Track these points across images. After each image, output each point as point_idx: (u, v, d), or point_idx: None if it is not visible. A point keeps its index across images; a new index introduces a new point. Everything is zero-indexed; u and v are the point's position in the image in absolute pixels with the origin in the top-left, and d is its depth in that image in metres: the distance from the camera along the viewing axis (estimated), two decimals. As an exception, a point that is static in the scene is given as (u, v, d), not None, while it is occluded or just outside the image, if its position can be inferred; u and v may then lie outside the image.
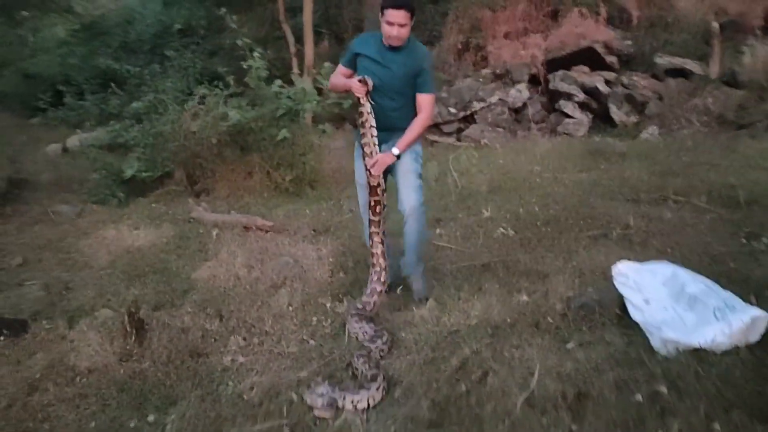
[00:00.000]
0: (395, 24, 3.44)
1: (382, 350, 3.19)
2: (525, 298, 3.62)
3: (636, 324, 3.11)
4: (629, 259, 3.61)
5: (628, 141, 8.53)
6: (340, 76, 3.74)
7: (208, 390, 2.94)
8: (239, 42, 6.84)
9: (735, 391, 2.43)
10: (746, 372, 2.55)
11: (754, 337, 2.77)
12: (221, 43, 12.16)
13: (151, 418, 2.80)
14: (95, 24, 15.73)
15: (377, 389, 2.77)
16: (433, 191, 6.41)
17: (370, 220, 3.78)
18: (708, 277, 3.25)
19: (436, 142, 9.46)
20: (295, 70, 9.61)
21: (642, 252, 4.30)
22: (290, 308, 3.77)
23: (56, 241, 5.38)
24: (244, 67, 6.67)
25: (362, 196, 3.86)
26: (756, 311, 2.80)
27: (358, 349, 3.14)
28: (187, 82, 8.72)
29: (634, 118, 9.23)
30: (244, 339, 3.43)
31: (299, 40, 10.41)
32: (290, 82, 7.36)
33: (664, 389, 2.49)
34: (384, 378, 2.84)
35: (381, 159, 3.56)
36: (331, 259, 4.50)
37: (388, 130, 3.61)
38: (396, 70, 3.55)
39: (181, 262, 4.63)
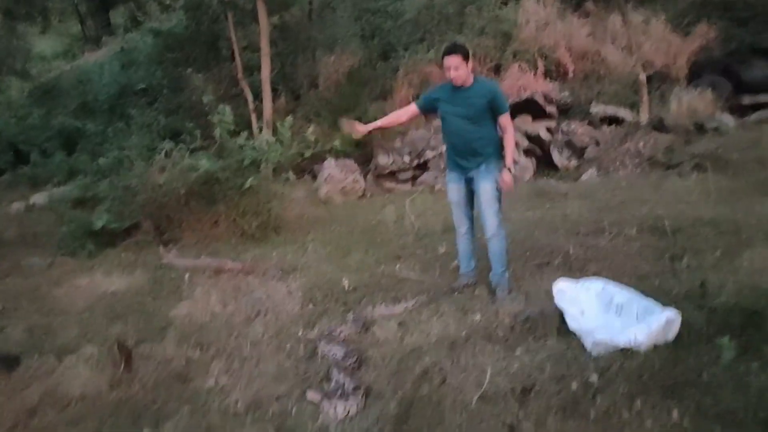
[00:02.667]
0: (450, 68, 4.07)
1: (354, 367, 3.55)
2: (478, 317, 4.05)
3: (573, 332, 3.58)
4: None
5: (570, 182, 9.20)
6: (395, 113, 4.80)
7: (196, 406, 3.24)
8: (204, 99, 7.28)
9: (651, 375, 2.89)
10: (662, 362, 3.01)
11: (671, 335, 3.25)
12: (181, 101, 12.59)
13: (146, 430, 3.07)
14: (51, 86, 15.95)
15: (362, 397, 3.13)
16: (392, 232, 6.87)
17: None
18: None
19: (392, 188, 9.97)
20: (255, 125, 10.08)
21: (580, 275, 4.78)
22: (265, 336, 4.10)
23: (31, 290, 5.58)
24: (213, 122, 7.08)
25: (456, 213, 4.56)
26: (670, 312, 3.29)
27: (335, 365, 3.49)
28: (151, 138, 9.07)
29: (574, 162, 9.95)
30: (225, 364, 3.74)
31: (257, 96, 10.92)
32: (250, 135, 7.79)
33: (594, 378, 2.94)
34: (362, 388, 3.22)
35: (506, 179, 4.21)
36: (300, 294, 4.85)
37: (474, 156, 4.24)
38: (469, 104, 4.15)
39: (157, 303, 4.91)
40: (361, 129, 4.58)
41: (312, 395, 3.19)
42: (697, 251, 4.82)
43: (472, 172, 4.28)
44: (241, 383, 3.47)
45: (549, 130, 10.40)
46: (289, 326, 4.28)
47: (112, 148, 8.29)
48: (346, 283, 5.01)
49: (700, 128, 9.49)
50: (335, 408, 3.06)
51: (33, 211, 9.37)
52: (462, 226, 4.59)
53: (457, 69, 4.06)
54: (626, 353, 3.15)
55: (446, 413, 2.89)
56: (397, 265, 5.54)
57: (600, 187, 8.56)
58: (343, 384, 3.28)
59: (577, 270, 4.97)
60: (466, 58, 4.07)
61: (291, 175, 7.63)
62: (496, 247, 4.42)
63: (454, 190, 4.48)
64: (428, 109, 4.54)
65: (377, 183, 10.15)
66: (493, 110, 4.19)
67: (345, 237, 6.86)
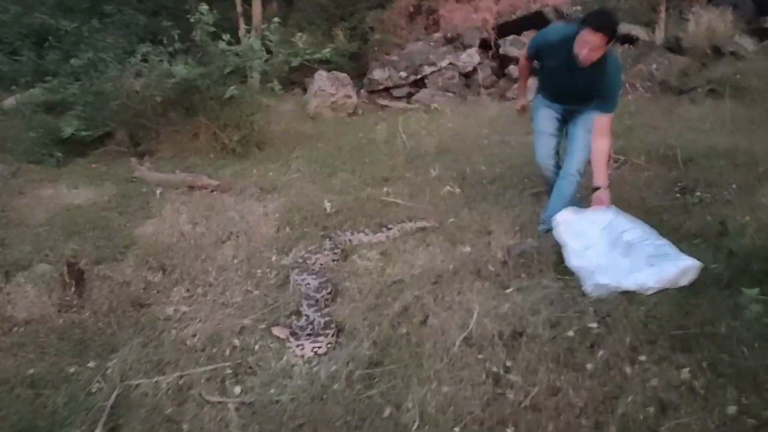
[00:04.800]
0: (587, 45, 3.24)
1: (327, 299, 3.22)
2: (468, 249, 3.70)
3: (572, 271, 3.23)
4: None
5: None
6: (521, 70, 4.15)
7: (150, 337, 2.93)
8: (184, -3, 6.63)
9: (659, 324, 2.56)
10: (671, 308, 2.68)
11: (684, 282, 2.89)
12: (164, 2, 11.75)
13: (91, 364, 2.77)
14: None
15: (332, 335, 2.81)
16: (382, 152, 6.44)
17: None
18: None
19: (386, 106, 9.44)
20: (243, 29, 9.39)
21: (581, 206, 4.43)
22: (235, 261, 3.76)
23: (-10, 199, 5.18)
24: (191, 20, 6.46)
25: (541, 145, 4.05)
26: (689, 261, 2.90)
27: (306, 298, 3.16)
28: (129, 40, 8.42)
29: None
30: (188, 290, 3.42)
31: (246, -1, 10.17)
32: (238, 41, 7.19)
33: (594, 325, 2.61)
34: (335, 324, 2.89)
35: (604, 199, 3.55)
36: (277, 215, 4.48)
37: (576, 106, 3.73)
38: (580, 83, 3.49)
39: (122, 219, 4.53)
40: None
41: (278, 331, 2.87)
42: (711, 184, 4.43)
43: (574, 112, 3.78)
44: (202, 313, 3.15)
45: (556, 48, 9.74)
46: (261, 251, 3.93)
47: (87, 48, 7.64)
48: (327, 205, 4.63)
49: (718, 51, 8.88)
50: (302, 347, 2.74)
51: (2, 115, 8.84)
52: (550, 159, 4.08)
53: (594, 50, 3.25)
54: (631, 298, 2.82)
55: (425, 357, 2.58)
56: (385, 188, 5.14)
57: (607, 112, 8.09)
58: (313, 320, 2.96)
59: (577, 200, 4.59)
60: (610, 39, 3.26)
61: (277, 86, 7.09)
62: (571, 187, 3.83)
63: (549, 119, 3.92)
64: (535, 58, 3.87)
65: (370, 99, 9.63)
66: (597, 102, 3.54)
67: (332, 156, 6.43)
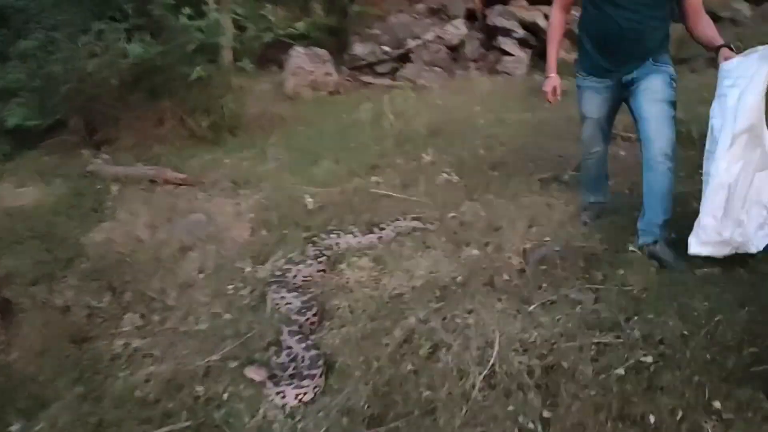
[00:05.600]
0: None
1: (312, 323, 2.65)
2: (475, 251, 3.15)
3: (604, 278, 2.70)
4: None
5: (569, 79, 8.15)
6: (553, 29, 3.39)
7: (91, 386, 2.33)
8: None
9: (726, 353, 2.03)
10: (736, 329, 2.15)
11: None
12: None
13: (15, 427, 2.18)
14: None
15: (320, 375, 2.25)
16: (369, 135, 5.83)
17: None
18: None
19: (369, 83, 8.79)
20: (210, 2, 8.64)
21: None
22: (201, 276, 3.17)
23: None
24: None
25: (587, 128, 3.37)
26: None
27: (287, 323, 2.58)
28: (83, 17, 7.64)
29: (575, 55, 8.80)
30: (142, 317, 2.82)
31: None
32: (201, 15, 6.49)
33: (648, 358, 2.07)
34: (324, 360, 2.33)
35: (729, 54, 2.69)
36: (251, 215, 3.89)
37: (636, 52, 2.96)
38: None
39: (70, 224, 3.90)
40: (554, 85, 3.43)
41: (253, 372, 2.30)
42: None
43: (634, 72, 2.97)
44: (158, 348, 2.56)
45: (547, 17, 9.12)
46: (233, 260, 3.34)
47: (37, 27, 6.87)
48: (309, 201, 4.06)
49: (714, 18, 8.37)
50: (284, 394, 2.18)
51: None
52: (596, 146, 3.38)
53: None
54: (682, 315, 2.28)
55: (439, 409, 2.02)
56: (374, 178, 4.55)
57: (604, 85, 7.55)
58: (296, 355, 2.39)
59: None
60: None
61: (249, 64, 6.43)
62: (664, 180, 2.92)
63: (596, 100, 3.22)
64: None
65: (352, 76, 8.96)
66: None
67: (313, 141, 5.81)
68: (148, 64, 5.61)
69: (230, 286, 3.08)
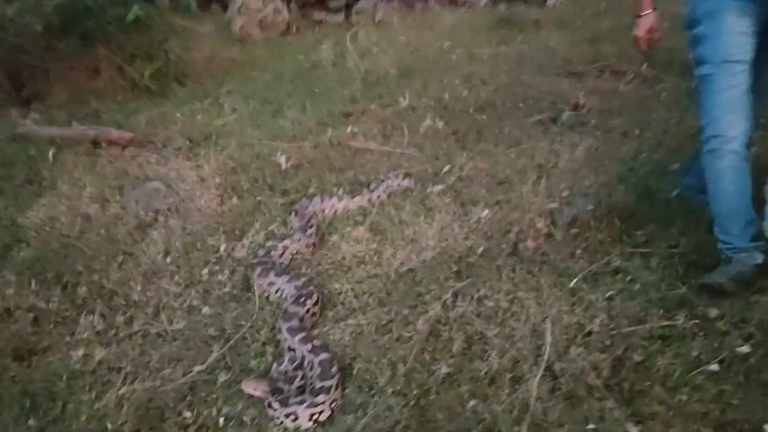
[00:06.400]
0: None
1: (314, 314, 2.22)
2: (487, 213, 2.74)
3: (648, 239, 2.34)
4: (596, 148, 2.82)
5: (536, 7, 7.72)
6: None
7: (41, 422, 1.85)
8: None
9: None
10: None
11: None
12: None
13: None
14: None
15: (337, 387, 1.83)
16: (333, 79, 5.29)
17: None
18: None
19: (322, 21, 8.11)
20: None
21: (604, 137, 3.53)
22: (167, 259, 2.66)
23: None
24: None
25: (725, 88, 2.07)
26: None
27: (284, 317, 2.14)
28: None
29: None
30: (102, 317, 2.31)
31: None
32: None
33: (743, 348, 1.72)
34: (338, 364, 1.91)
35: None
36: (217, 180, 3.36)
37: None
38: None
39: (2, 201, 3.30)
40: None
41: (252, 387, 1.86)
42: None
43: None
44: (127, 358, 2.08)
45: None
46: (204, 237, 2.84)
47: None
48: (282, 159, 3.54)
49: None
50: (295, 416, 1.76)
51: None
52: (734, 127, 2.08)
53: None
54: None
55: (492, 422, 1.64)
56: (349, 128, 4.04)
57: (577, 13, 7.15)
58: (302, 359, 1.96)
59: (597, 129, 3.68)
60: None
61: (192, 3, 5.70)
62: None
63: (739, 33, 2.08)
64: None
65: (304, 14, 8.23)
66: None
67: (272, 87, 5.23)
68: (76, 5, 4.86)
69: (204, 271, 2.59)
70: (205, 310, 2.34)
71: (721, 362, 1.68)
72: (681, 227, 2.40)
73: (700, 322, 1.84)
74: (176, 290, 2.46)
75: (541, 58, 5.24)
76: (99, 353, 2.11)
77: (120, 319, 2.29)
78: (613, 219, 2.46)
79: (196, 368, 2.00)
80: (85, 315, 2.30)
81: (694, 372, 1.67)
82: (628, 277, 2.15)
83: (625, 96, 4.06)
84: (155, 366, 2.04)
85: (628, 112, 3.82)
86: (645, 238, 2.36)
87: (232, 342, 2.12)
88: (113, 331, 2.23)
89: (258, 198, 3.18)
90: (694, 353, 1.74)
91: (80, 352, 2.13)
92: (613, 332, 1.88)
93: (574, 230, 2.45)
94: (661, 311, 1.93)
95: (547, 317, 1.94)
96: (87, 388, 1.97)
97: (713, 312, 1.87)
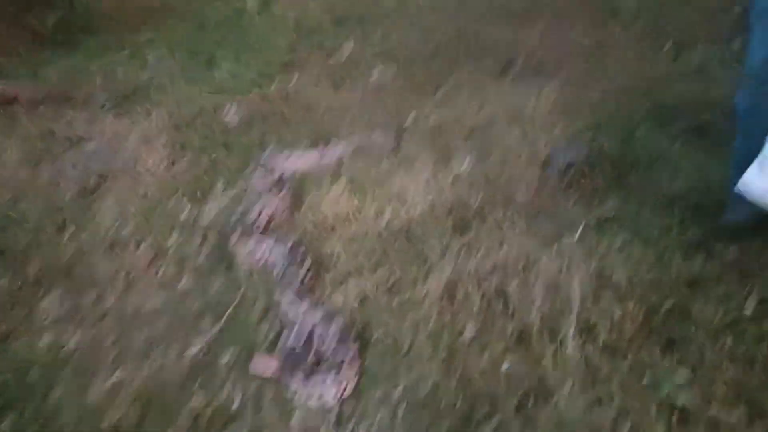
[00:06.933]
0: None
1: (312, 278, 2.04)
2: (469, 161, 2.63)
3: (640, 183, 2.33)
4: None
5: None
6: None
7: (20, 422, 1.59)
8: None
9: None
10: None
11: None
12: None
13: None
14: None
15: (353, 358, 1.68)
16: (263, 27, 4.93)
17: None
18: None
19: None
20: None
21: (568, 84, 3.48)
22: (125, 231, 2.36)
23: None
24: None
25: None
26: None
27: (281, 284, 1.94)
28: None
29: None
30: (65, 297, 2.02)
31: None
32: None
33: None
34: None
35: None
36: (163, 139, 3.03)
37: None
38: None
39: None
40: None
41: (261, 365, 1.68)
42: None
43: None
44: (107, 342, 1.82)
45: None
46: (161, 200, 2.55)
47: None
48: (231, 113, 3.26)
49: None
50: (320, 389, 1.60)
51: None
52: None
53: None
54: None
55: (531, 388, 1.56)
56: (294, 80, 3.78)
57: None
58: (311, 331, 1.79)
59: (558, 77, 3.59)
60: None
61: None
62: None
63: None
64: None
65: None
66: None
67: (197, 38, 4.79)
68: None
69: (171, 240, 2.32)
70: (184, 282, 2.10)
71: (758, 303, 1.68)
72: (670, 172, 2.40)
73: (724, 264, 1.84)
74: (143, 263, 2.19)
75: (481, 6, 5.11)
76: (71, 338, 1.84)
77: (87, 299, 2.00)
78: (606, 165, 2.42)
79: (192, 350, 1.78)
80: (46, 297, 2.00)
81: (730, 317, 1.66)
82: (641, 230, 2.11)
83: (582, 44, 4.01)
84: (142, 350, 1.80)
85: (586, 56, 3.79)
86: (640, 183, 2.34)
87: (224, 318, 1.91)
88: (82, 314, 1.95)
89: (212, 155, 2.90)
90: (726, 297, 1.73)
91: (48, 340, 1.84)
92: (637, 280, 1.84)
93: (570, 175, 2.39)
94: (679, 257, 1.91)
95: (565, 268, 1.87)
96: (67, 378, 1.70)
97: (733, 254, 1.87)
